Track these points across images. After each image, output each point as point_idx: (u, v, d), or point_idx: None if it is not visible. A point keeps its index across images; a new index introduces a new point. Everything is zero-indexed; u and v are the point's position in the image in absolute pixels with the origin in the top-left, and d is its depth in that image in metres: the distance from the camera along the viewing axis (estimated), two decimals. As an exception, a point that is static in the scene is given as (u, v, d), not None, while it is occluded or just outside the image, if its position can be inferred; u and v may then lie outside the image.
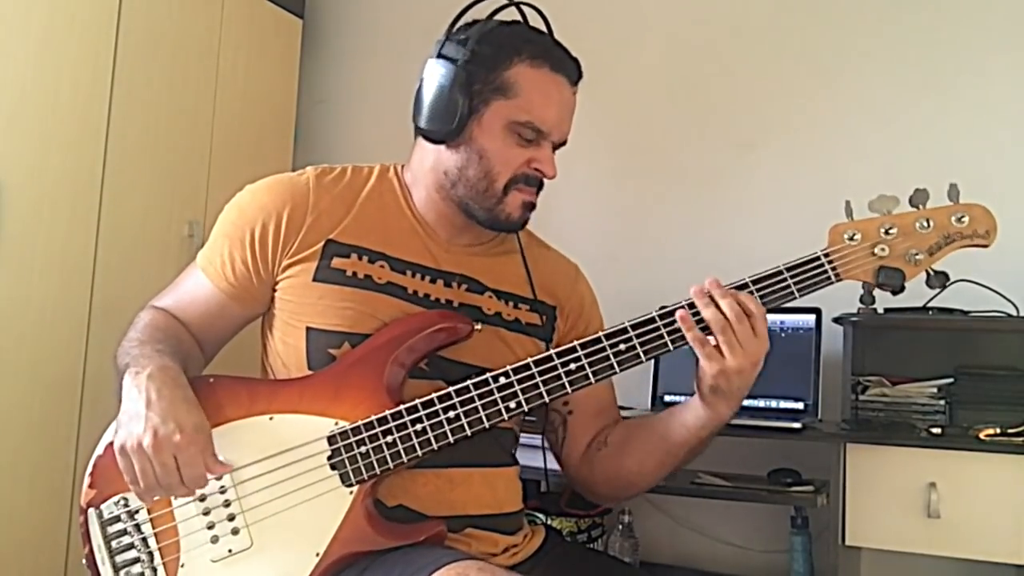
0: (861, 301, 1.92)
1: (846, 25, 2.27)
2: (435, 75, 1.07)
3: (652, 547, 2.20)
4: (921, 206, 1.06)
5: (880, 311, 1.79)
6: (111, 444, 1.02)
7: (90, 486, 1.05)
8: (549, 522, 1.99)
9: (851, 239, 1.06)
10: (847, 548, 1.69)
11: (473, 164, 1.08)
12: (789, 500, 1.83)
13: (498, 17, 1.12)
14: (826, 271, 1.05)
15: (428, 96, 1.08)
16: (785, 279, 1.05)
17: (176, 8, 2.32)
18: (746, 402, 1.94)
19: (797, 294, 1.05)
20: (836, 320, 1.86)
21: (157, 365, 1.00)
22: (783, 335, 1.97)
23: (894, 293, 1.05)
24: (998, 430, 1.61)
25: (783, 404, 1.94)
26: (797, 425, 1.75)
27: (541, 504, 2.02)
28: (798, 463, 1.87)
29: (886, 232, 1.06)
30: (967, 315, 1.82)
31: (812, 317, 1.95)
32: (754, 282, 1.06)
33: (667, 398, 2.10)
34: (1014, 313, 1.83)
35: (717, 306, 1.01)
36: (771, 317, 1.94)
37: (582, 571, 1.16)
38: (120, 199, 2.16)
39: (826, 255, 1.06)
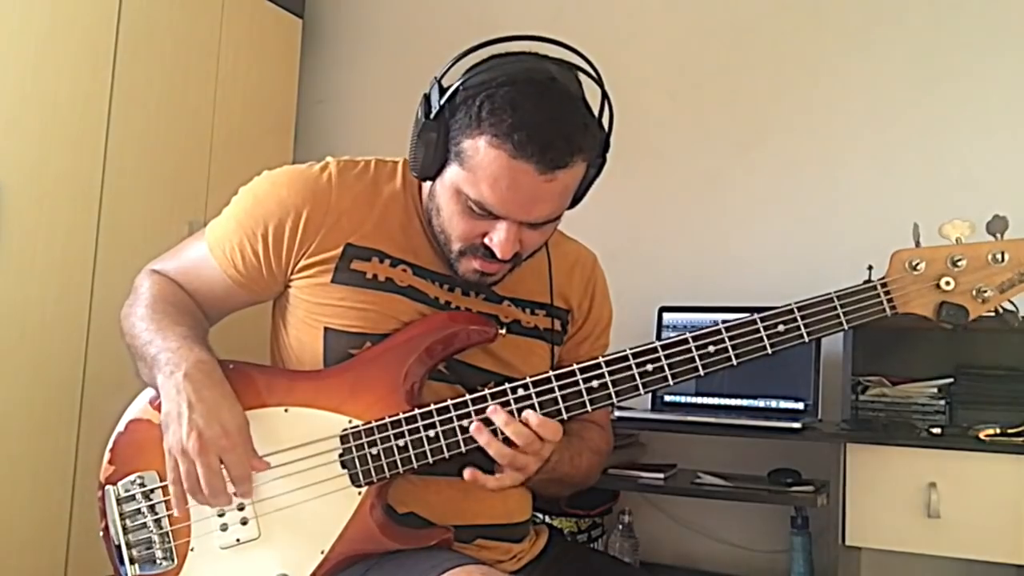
0: (861, 301, 1.91)
1: (846, 25, 2.27)
2: (418, 113, 1.01)
3: (652, 547, 2.20)
4: (999, 235, 0.97)
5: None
6: (133, 421, 1.03)
7: (109, 462, 1.05)
8: (550, 522, 1.99)
9: (914, 268, 0.98)
10: (847, 548, 1.69)
11: (435, 215, 1.04)
12: (789, 500, 1.83)
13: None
14: (881, 303, 0.98)
15: (412, 130, 1.02)
16: (835, 308, 0.98)
17: (176, 8, 2.32)
18: (746, 402, 1.98)
19: (846, 325, 0.98)
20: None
21: (192, 362, 0.99)
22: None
23: (954, 330, 0.99)
24: (998, 430, 1.61)
25: (783, 404, 1.95)
26: (797, 425, 1.75)
27: (542, 504, 2.01)
28: (798, 463, 1.87)
29: (954, 263, 0.97)
30: (967, 315, 1.82)
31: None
32: (800, 308, 0.99)
33: (667, 398, 2.10)
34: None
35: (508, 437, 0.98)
36: (771, 317, 1.97)
37: (584, 571, 1.15)
38: (120, 199, 2.16)
39: (883, 285, 0.98)
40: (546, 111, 0.94)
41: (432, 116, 0.98)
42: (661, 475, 1.88)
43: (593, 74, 1.02)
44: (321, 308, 1.07)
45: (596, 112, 1.01)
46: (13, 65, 1.92)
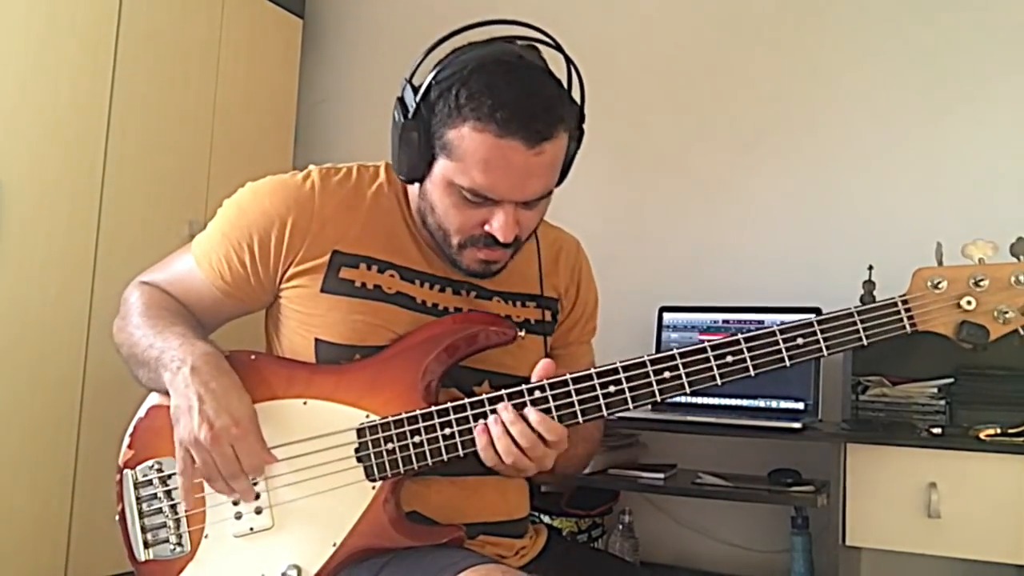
0: (861, 301, 1.92)
1: (846, 25, 2.27)
2: (395, 117, 1.03)
3: (652, 547, 2.20)
4: (1022, 257, 0.96)
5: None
6: (154, 407, 1.04)
7: (129, 447, 1.07)
8: (550, 522, 1.99)
9: (935, 287, 0.97)
10: (847, 548, 1.69)
11: (429, 214, 1.05)
12: (789, 500, 1.83)
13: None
14: (901, 319, 0.98)
15: (391, 137, 1.04)
16: (855, 323, 0.98)
17: (176, 8, 2.32)
18: (746, 402, 1.98)
19: (865, 341, 0.98)
20: (836, 320, 1.86)
21: (196, 355, 1.00)
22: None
23: (974, 350, 0.98)
24: (998, 430, 1.61)
25: (783, 404, 1.94)
26: (797, 425, 1.75)
27: (542, 504, 2.02)
28: (798, 463, 1.87)
29: (976, 283, 0.97)
30: (967, 315, 1.82)
31: (812, 317, 1.95)
32: (820, 323, 0.99)
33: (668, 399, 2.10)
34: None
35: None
36: (771, 317, 1.98)
37: (585, 570, 1.16)
38: (120, 199, 2.17)
39: (904, 302, 0.98)
40: (521, 86, 0.96)
41: (410, 116, 0.99)
42: (661, 475, 1.88)
43: (555, 44, 1.04)
44: (311, 318, 1.07)
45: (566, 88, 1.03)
46: (13, 65, 1.92)
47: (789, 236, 2.25)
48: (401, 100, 1.02)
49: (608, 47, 2.49)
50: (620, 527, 2.07)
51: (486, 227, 1.01)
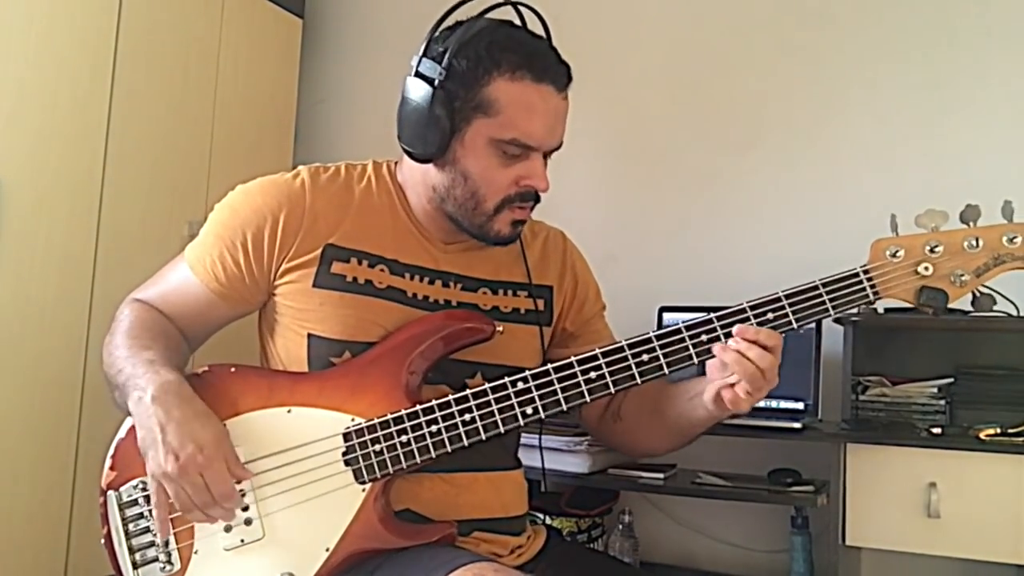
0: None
1: (846, 24, 2.27)
2: (413, 95, 1.04)
3: (652, 547, 2.20)
4: (971, 223, 1.01)
5: (880, 311, 1.79)
6: (134, 426, 1.03)
7: (111, 468, 1.06)
8: (549, 522, 1.99)
9: (893, 256, 1.02)
10: (847, 548, 1.69)
11: (459, 185, 1.06)
12: (789, 500, 1.83)
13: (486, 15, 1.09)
14: (864, 288, 1.01)
15: (407, 116, 1.05)
16: (820, 295, 1.02)
17: (176, 8, 2.32)
18: (746, 402, 1.98)
19: (832, 311, 1.02)
20: (836, 320, 1.86)
21: (157, 384, 0.99)
22: (783, 335, 1.98)
23: (935, 314, 1.02)
24: (998, 430, 1.61)
25: (783, 404, 1.94)
26: (797, 425, 1.75)
27: (541, 504, 2.02)
28: (798, 463, 1.87)
29: (931, 250, 1.01)
30: (967, 315, 1.81)
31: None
32: (787, 296, 1.03)
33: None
34: (1014, 313, 1.83)
35: (748, 357, 0.99)
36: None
37: (584, 571, 1.16)
38: (120, 199, 2.16)
39: (865, 272, 1.02)
40: (537, 41, 1.06)
41: (436, 84, 1.02)
42: (661, 475, 1.88)
43: (529, 15, 1.10)
44: (304, 313, 1.08)
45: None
46: (13, 64, 1.92)
47: (789, 236, 2.25)
48: (420, 75, 1.04)
49: (609, 47, 2.49)
50: (620, 527, 2.07)
51: (522, 183, 1.05)
